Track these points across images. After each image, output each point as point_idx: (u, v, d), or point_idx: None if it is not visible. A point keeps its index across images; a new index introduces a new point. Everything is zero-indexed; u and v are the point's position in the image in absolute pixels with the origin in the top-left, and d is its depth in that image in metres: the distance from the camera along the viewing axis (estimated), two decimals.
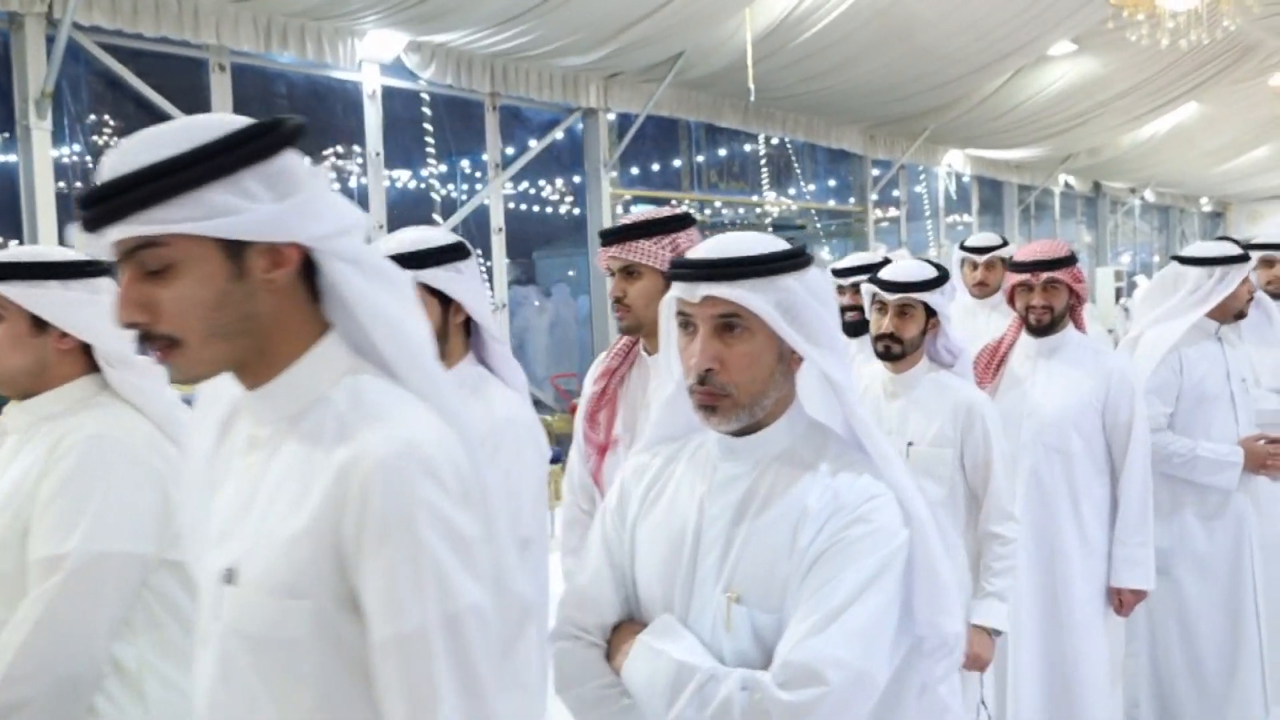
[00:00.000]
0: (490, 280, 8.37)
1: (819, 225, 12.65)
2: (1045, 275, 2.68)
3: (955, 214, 15.01)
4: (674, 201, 10.35)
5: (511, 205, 9.72)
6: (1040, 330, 2.76)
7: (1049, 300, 2.70)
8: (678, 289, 1.32)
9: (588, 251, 9.21)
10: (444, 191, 8.73)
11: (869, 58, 8.82)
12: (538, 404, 8.65)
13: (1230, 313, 2.96)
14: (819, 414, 1.37)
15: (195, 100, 6.50)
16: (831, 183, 12.74)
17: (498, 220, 8.38)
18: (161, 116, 6.41)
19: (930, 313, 2.42)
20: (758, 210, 11.28)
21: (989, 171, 14.64)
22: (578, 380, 9.32)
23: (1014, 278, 2.74)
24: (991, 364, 2.85)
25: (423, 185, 8.66)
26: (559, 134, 8.94)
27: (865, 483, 1.29)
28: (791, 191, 11.81)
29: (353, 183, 7.78)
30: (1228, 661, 2.82)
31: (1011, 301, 2.79)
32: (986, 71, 9.94)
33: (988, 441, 2.39)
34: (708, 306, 1.29)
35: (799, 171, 11.84)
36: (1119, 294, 14.06)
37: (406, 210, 8.85)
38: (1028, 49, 9.47)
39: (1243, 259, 2.91)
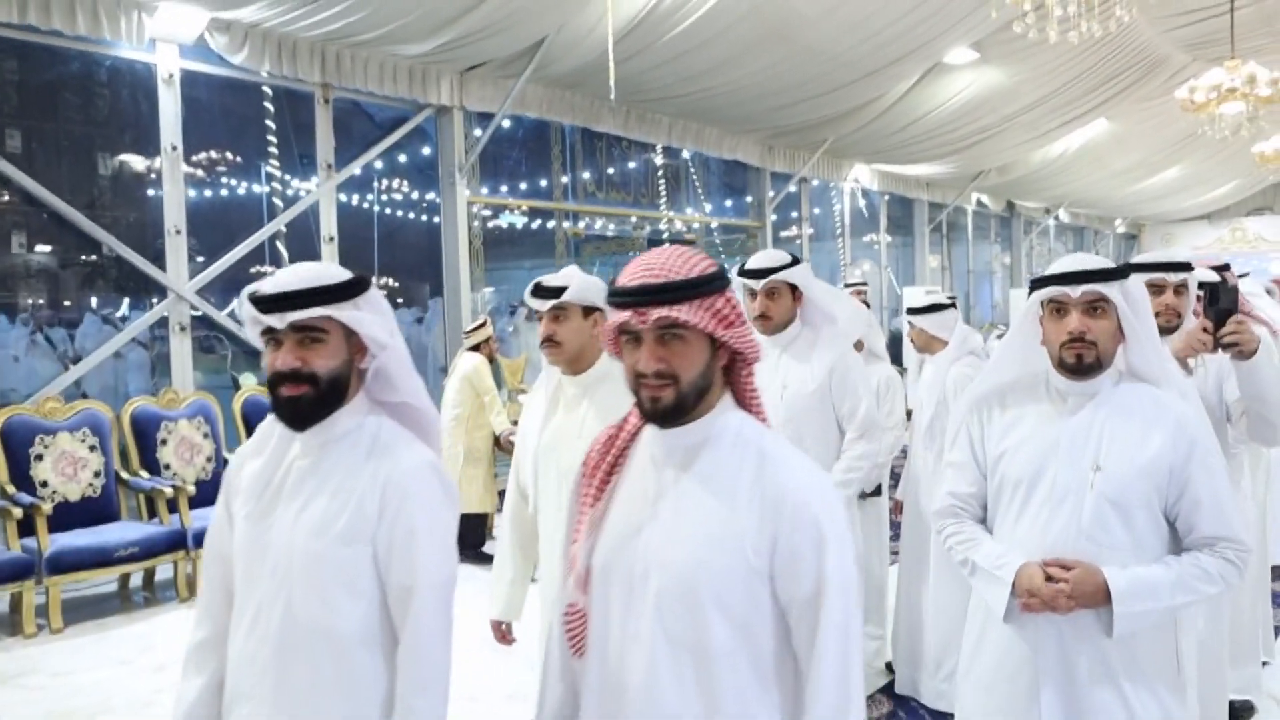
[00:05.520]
0: None
1: (718, 241, 11.90)
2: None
3: (869, 233, 14.44)
4: (564, 213, 9.50)
5: (416, 216, 8.87)
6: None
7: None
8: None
9: (442, 267, 8.28)
10: (287, 193, 7.74)
11: (750, 57, 8.09)
12: None
13: (1053, 359, 2.05)
14: None
15: None
16: (746, 199, 11.97)
17: (329, 228, 7.41)
18: None
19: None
20: (633, 223, 10.48)
21: (898, 188, 14.08)
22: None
23: None
24: (600, 467, 1.58)
25: (263, 187, 7.69)
26: (402, 133, 7.97)
27: None
28: (688, 209, 11.05)
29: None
30: None
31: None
32: (881, 77, 9.29)
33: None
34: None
35: (696, 184, 11.10)
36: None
37: (239, 215, 7.88)
38: (921, 54, 8.85)
39: (1041, 283, 2.05)
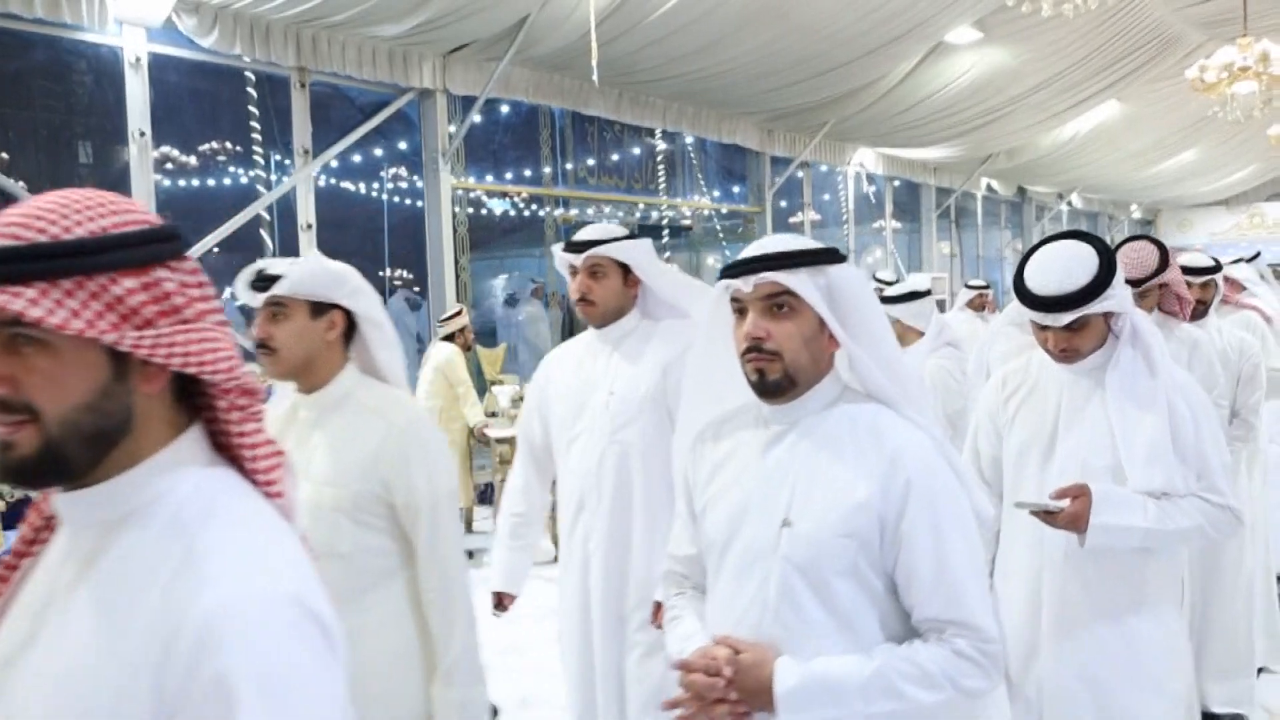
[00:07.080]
0: None
1: (718, 227, 11.66)
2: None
3: (876, 220, 14.15)
4: (553, 199, 9.31)
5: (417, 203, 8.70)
6: None
7: None
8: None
9: (426, 254, 8.10)
10: (273, 180, 7.60)
11: (742, 36, 7.84)
12: None
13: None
14: None
15: None
16: (746, 184, 11.71)
17: (306, 215, 7.22)
18: None
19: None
20: (640, 209, 10.26)
21: (904, 173, 13.78)
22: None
23: None
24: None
25: (249, 174, 7.55)
26: (383, 117, 7.77)
27: None
28: (692, 195, 10.81)
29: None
30: None
31: None
32: (881, 56, 9.01)
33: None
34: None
35: (695, 168, 10.86)
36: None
37: (226, 203, 7.74)
38: (921, 32, 8.57)
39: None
